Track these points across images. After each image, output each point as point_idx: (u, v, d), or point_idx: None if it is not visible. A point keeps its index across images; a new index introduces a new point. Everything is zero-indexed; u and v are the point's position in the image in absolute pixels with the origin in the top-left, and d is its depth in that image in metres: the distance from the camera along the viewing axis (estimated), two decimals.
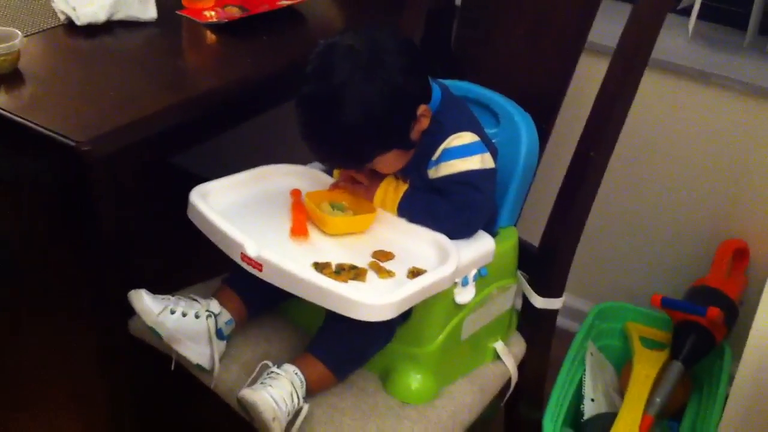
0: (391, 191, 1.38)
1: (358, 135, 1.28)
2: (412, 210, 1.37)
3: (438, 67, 1.43)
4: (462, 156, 1.35)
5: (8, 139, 1.48)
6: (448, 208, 1.35)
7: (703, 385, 1.80)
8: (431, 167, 1.37)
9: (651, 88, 1.88)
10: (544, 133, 1.53)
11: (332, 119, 1.27)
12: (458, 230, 1.35)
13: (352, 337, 1.32)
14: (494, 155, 1.39)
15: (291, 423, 1.27)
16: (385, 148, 1.33)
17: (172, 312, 1.33)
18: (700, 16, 1.85)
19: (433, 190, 1.37)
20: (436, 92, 1.39)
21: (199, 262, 1.59)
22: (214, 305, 1.38)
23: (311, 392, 1.31)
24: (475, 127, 1.39)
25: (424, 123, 1.35)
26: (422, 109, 1.33)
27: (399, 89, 1.29)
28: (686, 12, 1.89)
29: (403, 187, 1.38)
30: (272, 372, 1.28)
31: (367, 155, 1.32)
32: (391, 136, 1.32)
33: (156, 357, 1.45)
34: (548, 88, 1.54)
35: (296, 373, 1.28)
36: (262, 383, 1.27)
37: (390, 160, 1.35)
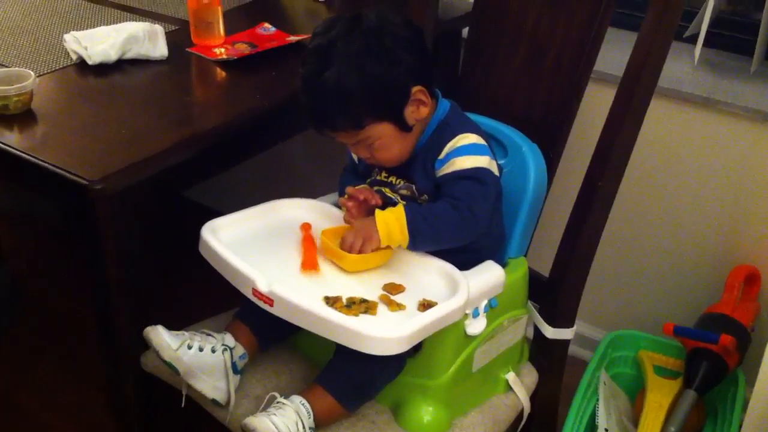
0: (389, 214, 1.33)
1: (342, 91, 1.30)
2: (418, 218, 1.32)
3: (445, 97, 1.45)
4: (470, 153, 1.36)
5: (21, 178, 1.50)
6: (448, 203, 1.33)
7: (717, 413, 1.79)
8: (438, 166, 1.37)
9: (658, 115, 1.89)
10: (552, 162, 1.54)
11: (320, 72, 1.30)
12: (464, 222, 1.33)
13: (360, 369, 1.32)
14: (499, 175, 1.41)
15: None
16: (376, 116, 1.33)
17: (189, 347, 1.33)
18: (706, 44, 1.85)
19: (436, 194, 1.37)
20: (445, 104, 1.42)
21: (208, 297, 1.60)
22: (229, 339, 1.39)
23: (320, 424, 1.32)
24: (483, 137, 1.40)
25: (423, 111, 1.37)
26: (418, 89, 1.35)
27: (391, 56, 1.31)
28: (692, 39, 1.89)
29: (398, 207, 1.34)
30: (278, 402, 1.29)
31: (357, 118, 1.33)
32: (379, 102, 1.32)
33: (165, 393, 1.46)
34: (554, 119, 1.55)
35: (302, 404, 1.29)
36: (266, 412, 1.27)
37: (386, 137, 1.36)
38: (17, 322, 2.32)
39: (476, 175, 1.35)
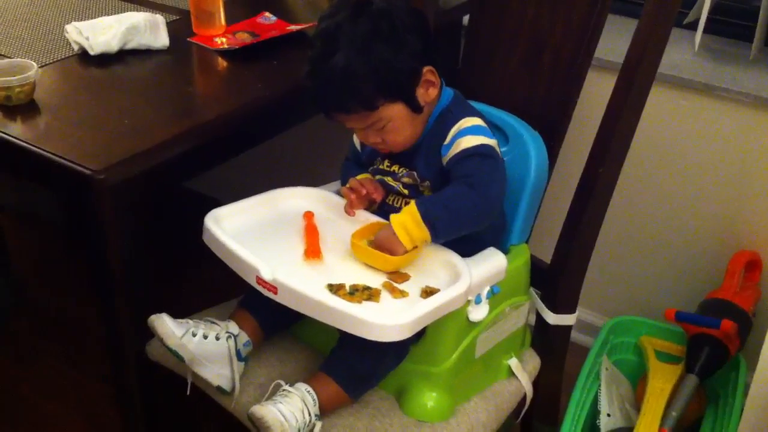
0: (402, 214, 1.31)
1: (352, 74, 1.30)
2: (432, 208, 1.30)
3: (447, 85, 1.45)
4: (475, 134, 1.36)
5: (24, 169, 1.50)
6: (460, 182, 1.32)
7: (718, 398, 1.80)
8: (444, 152, 1.37)
9: (659, 101, 1.89)
10: (553, 150, 1.54)
11: (329, 56, 1.31)
12: (480, 197, 1.31)
13: (364, 356, 1.33)
14: None
15: None
16: (388, 96, 1.34)
17: (194, 335, 1.34)
18: (706, 30, 1.86)
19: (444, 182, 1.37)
20: (449, 92, 1.43)
21: (211, 286, 1.60)
22: (233, 326, 1.40)
23: (325, 411, 1.33)
24: (486, 123, 1.40)
25: (432, 92, 1.38)
26: (428, 69, 1.36)
27: (400, 38, 1.32)
28: (692, 26, 1.90)
29: (411, 204, 1.32)
30: (284, 390, 1.30)
31: (370, 99, 1.33)
32: (391, 82, 1.33)
33: (170, 382, 1.47)
34: (555, 107, 1.55)
35: (308, 391, 1.30)
36: (273, 400, 1.28)
37: (399, 119, 1.36)
38: (19, 313, 2.32)
39: (483, 150, 1.34)
